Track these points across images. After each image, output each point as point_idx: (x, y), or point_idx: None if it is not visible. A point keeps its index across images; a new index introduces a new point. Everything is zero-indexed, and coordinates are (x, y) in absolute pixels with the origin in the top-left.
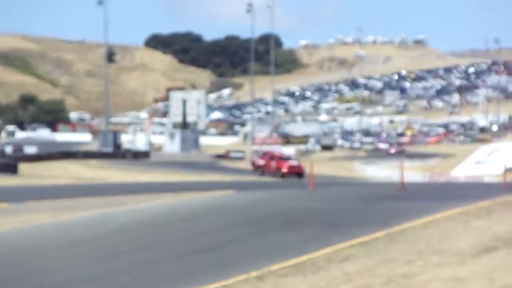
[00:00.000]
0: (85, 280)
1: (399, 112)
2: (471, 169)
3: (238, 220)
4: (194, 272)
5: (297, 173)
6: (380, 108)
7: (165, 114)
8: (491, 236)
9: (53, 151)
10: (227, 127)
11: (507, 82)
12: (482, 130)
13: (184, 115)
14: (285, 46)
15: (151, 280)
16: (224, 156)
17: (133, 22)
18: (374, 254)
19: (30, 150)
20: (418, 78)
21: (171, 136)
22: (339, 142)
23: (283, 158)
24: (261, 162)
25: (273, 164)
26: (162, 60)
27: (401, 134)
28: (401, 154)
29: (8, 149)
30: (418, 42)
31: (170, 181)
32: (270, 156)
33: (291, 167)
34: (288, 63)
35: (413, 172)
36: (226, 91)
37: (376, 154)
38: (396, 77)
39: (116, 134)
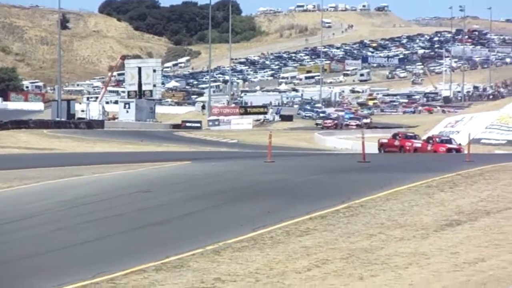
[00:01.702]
0: (36, 254)
1: (363, 81)
2: None
3: (195, 192)
4: (150, 245)
5: None
6: (341, 78)
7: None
8: (455, 209)
9: (4, 120)
10: (184, 97)
11: (472, 52)
12: (446, 100)
13: (140, 84)
14: (244, 13)
15: (104, 254)
16: (180, 126)
17: None
18: (334, 227)
19: None
20: (381, 47)
21: (126, 105)
22: (301, 112)
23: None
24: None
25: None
26: (117, 27)
27: (362, 104)
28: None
29: None
30: (380, 10)
31: (125, 151)
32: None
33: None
34: (247, 30)
35: (375, 143)
36: (182, 60)
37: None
38: (358, 46)
39: (69, 103)
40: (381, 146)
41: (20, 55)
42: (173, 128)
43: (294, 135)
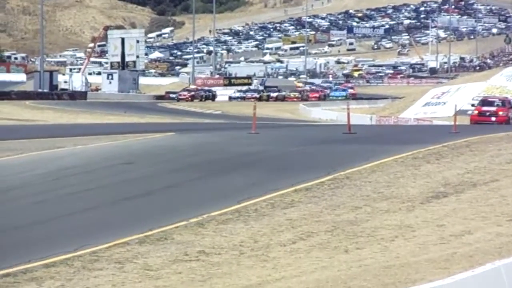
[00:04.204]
0: (18, 227)
1: (348, 50)
2: (421, 111)
3: (178, 164)
4: (133, 218)
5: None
6: (326, 48)
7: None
8: (441, 181)
9: None
10: (168, 68)
11: (458, 22)
12: (433, 71)
13: (123, 55)
14: None
15: (87, 226)
16: (164, 97)
17: None
18: (319, 199)
19: None
20: (366, 17)
21: (109, 76)
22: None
23: None
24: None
25: None
26: None
27: (348, 75)
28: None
29: None
30: None
31: (108, 123)
32: None
33: None
34: (231, 0)
35: (360, 115)
36: (166, 30)
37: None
38: (343, 16)
39: (52, 74)
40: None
41: (1, 25)
42: (157, 99)
43: (278, 107)
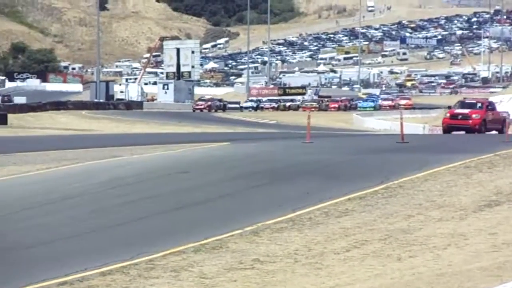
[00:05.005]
0: (75, 235)
1: (401, 60)
2: None
3: (233, 173)
4: (189, 226)
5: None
6: (379, 59)
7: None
8: (493, 190)
9: (43, 102)
10: (222, 78)
11: (510, 32)
12: (485, 81)
13: (178, 65)
14: None
15: (143, 235)
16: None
17: None
18: (373, 208)
19: (20, 100)
20: (419, 28)
21: (165, 86)
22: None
23: None
24: None
25: None
26: (155, 8)
27: (401, 85)
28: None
29: None
30: None
31: (164, 132)
32: None
33: None
34: (286, 11)
35: (413, 124)
36: (221, 41)
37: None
38: (396, 27)
39: (108, 84)
40: None
41: (58, 36)
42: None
43: (332, 116)
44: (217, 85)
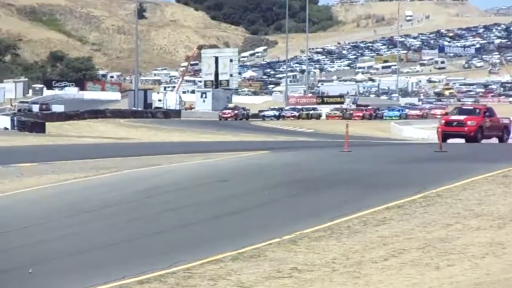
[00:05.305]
0: (112, 243)
1: (439, 68)
2: None
3: (271, 181)
4: (227, 234)
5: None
6: (418, 67)
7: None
8: None
9: (81, 110)
10: (261, 86)
11: None
12: None
13: (216, 74)
14: (321, 3)
15: (180, 243)
16: (257, 116)
17: None
18: (411, 217)
19: (58, 108)
20: (457, 37)
21: (203, 95)
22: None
23: None
24: None
25: None
26: (194, 16)
27: (439, 94)
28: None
29: (35, 108)
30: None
31: (202, 141)
32: None
33: None
34: (324, 20)
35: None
36: (259, 49)
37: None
38: (434, 35)
39: (146, 93)
40: None
41: (96, 44)
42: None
43: (370, 125)
44: (255, 93)
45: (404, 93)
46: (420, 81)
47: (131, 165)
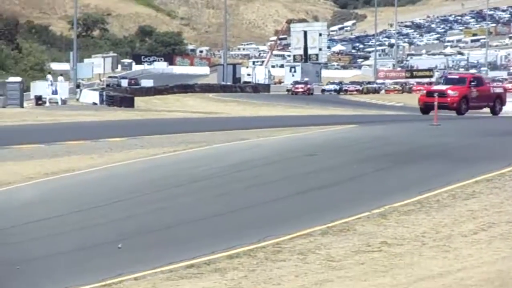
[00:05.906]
0: (203, 218)
1: None
2: None
3: (361, 155)
4: (316, 209)
5: None
6: (507, 41)
7: (285, 46)
8: None
9: (170, 85)
10: (350, 60)
11: None
12: None
13: (306, 48)
14: None
15: (270, 218)
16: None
17: None
18: (500, 190)
19: (147, 83)
20: None
21: (292, 69)
22: None
23: None
24: None
25: None
26: None
27: None
28: None
29: (124, 83)
30: None
31: (291, 115)
32: None
33: None
34: None
35: None
36: (348, 23)
37: None
38: None
39: (235, 67)
40: None
41: (185, 19)
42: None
43: None
44: (344, 67)
45: (493, 66)
46: (509, 55)
47: (220, 139)
